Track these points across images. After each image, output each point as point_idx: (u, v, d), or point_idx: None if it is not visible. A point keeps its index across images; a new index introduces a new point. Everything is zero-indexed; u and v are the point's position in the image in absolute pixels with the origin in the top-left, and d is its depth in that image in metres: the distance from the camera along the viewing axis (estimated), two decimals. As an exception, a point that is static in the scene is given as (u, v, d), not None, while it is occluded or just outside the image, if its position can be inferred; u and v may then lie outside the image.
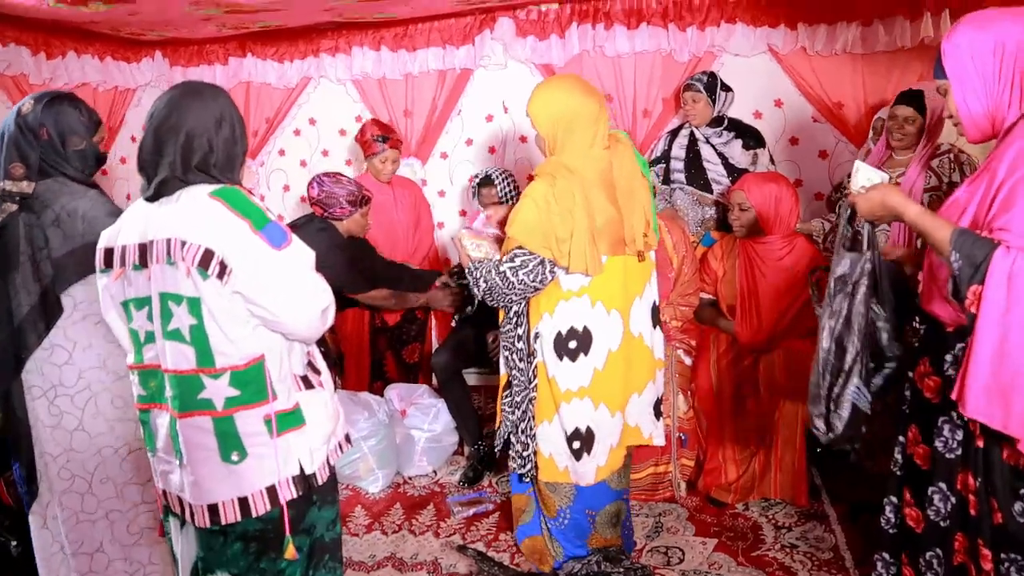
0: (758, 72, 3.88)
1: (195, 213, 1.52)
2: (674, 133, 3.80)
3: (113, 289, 1.63)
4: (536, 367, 2.29)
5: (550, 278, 2.19)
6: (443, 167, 4.48)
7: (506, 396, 2.44)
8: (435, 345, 4.41)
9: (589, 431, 2.30)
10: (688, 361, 3.11)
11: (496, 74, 4.25)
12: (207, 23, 3.88)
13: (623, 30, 3.92)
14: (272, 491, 1.58)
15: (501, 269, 2.18)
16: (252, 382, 1.55)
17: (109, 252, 1.63)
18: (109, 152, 4.54)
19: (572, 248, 2.12)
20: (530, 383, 2.33)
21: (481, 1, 3.76)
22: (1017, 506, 1.64)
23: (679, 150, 3.71)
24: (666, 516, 2.96)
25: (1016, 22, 1.60)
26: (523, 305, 2.31)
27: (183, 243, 1.49)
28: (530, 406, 2.33)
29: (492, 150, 4.38)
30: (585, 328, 2.23)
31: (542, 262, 2.15)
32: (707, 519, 2.93)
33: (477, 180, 3.69)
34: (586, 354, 2.24)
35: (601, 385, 2.27)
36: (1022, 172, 1.52)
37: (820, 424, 1.90)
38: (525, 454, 2.38)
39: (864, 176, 1.81)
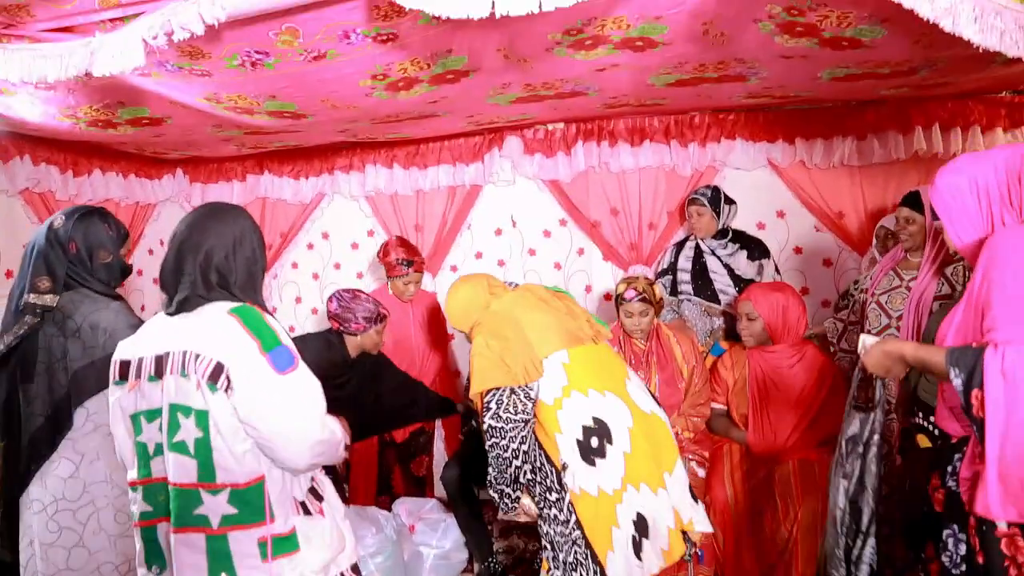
0: (759, 185, 3.99)
1: (211, 328, 1.55)
2: (680, 245, 3.88)
3: (125, 401, 1.64)
4: (570, 503, 2.21)
5: (530, 404, 2.26)
6: (453, 280, 4.51)
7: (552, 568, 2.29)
8: (438, 453, 4.34)
9: (641, 517, 2.23)
10: (702, 473, 3.06)
11: (505, 190, 4.37)
12: (227, 143, 4.05)
13: (627, 147, 4.06)
14: None
15: (487, 426, 2.26)
16: (251, 502, 1.54)
17: (125, 364, 1.65)
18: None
19: (512, 362, 2.25)
20: (572, 531, 2.22)
21: (490, 122, 3.92)
22: None
23: (685, 262, 3.78)
24: (685, 638, 2.82)
25: (984, 159, 1.78)
26: (535, 458, 2.30)
27: (197, 356, 1.52)
28: (586, 554, 2.20)
29: (501, 263, 4.44)
30: (595, 419, 2.24)
31: (512, 391, 2.24)
32: (728, 641, 2.80)
33: None
34: (611, 442, 2.23)
35: (634, 466, 2.24)
36: (992, 275, 1.62)
37: None
38: None
39: (869, 342, 1.93)
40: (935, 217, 1.88)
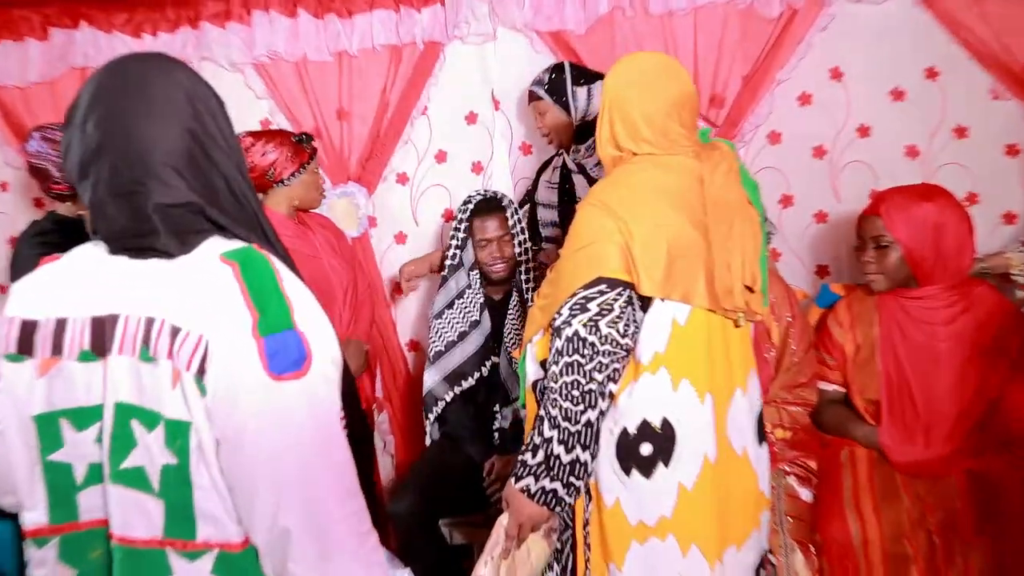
0: (896, 28, 3.85)
1: (195, 283, 1.46)
2: (544, 167, 4.07)
3: (27, 390, 1.50)
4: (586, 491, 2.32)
5: (636, 330, 2.25)
6: (402, 197, 4.45)
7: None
8: (384, 468, 4.40)
9: None
10: (806, 496, 3.08)
11: (480, 50, 4.26)
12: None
13: (675, -28, 3.98)
14: None
15: (571, 333, 2.19)
16: (250, 571, 1.48)
17: (30, 326, 1.49)
18: None
19: (640, 254, 2.19)
20: (573, 517, 2.34)
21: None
22: None
23: (547, 191, 3.96)
24: None
25: None
26: None
27: (175, 329, 1.41)
28: (572, 554, 2.35)
29: (477, 168, 4.36)
30: (665, 421, 2.24)
31: (629, 298, 2.22)
32: None
33: (471, 204, 3.63)
34: (667, 464, 2.24)
35: (689, 515, 2.26)
36: None
37: None
38: None
39: None
40: None
